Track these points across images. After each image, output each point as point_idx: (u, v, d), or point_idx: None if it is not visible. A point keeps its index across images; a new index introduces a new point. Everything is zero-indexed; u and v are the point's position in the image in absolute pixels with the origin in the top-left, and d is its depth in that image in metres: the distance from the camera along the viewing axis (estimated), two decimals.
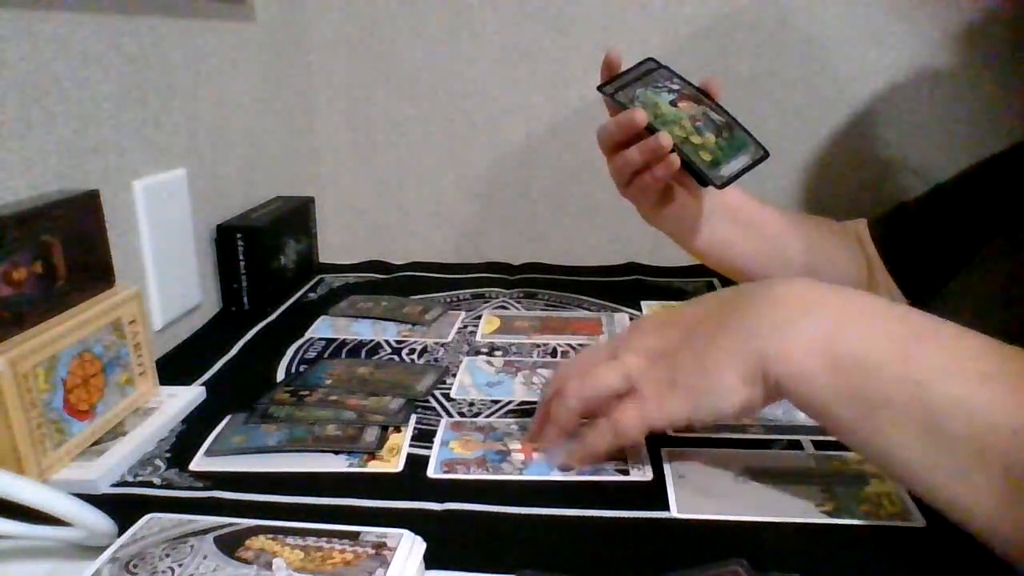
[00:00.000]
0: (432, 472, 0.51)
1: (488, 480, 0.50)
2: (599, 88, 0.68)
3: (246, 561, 0.38)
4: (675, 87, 0.68)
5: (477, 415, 0.59)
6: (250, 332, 0.77)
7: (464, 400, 0.62)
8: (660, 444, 0.54)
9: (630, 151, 0.65)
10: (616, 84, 0.68)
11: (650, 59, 0.71)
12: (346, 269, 0.99)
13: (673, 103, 0.67)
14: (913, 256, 0.76)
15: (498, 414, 0.60)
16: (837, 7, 0.97)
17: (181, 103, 0.74)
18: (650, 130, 0.64)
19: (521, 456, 0.53)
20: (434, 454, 0.54)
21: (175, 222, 0.74)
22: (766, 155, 0.67)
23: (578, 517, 0.47)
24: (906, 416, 0.40)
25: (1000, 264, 0.65)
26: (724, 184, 0.64)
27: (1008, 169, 0.72)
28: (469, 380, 0.65)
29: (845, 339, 0.42)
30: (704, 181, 0.65)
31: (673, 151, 0.63)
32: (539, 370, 0.67)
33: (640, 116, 0.63)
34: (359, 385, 0.63)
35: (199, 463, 0.53)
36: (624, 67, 0.69)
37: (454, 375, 0.66)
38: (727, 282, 0.83)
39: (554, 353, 0.71)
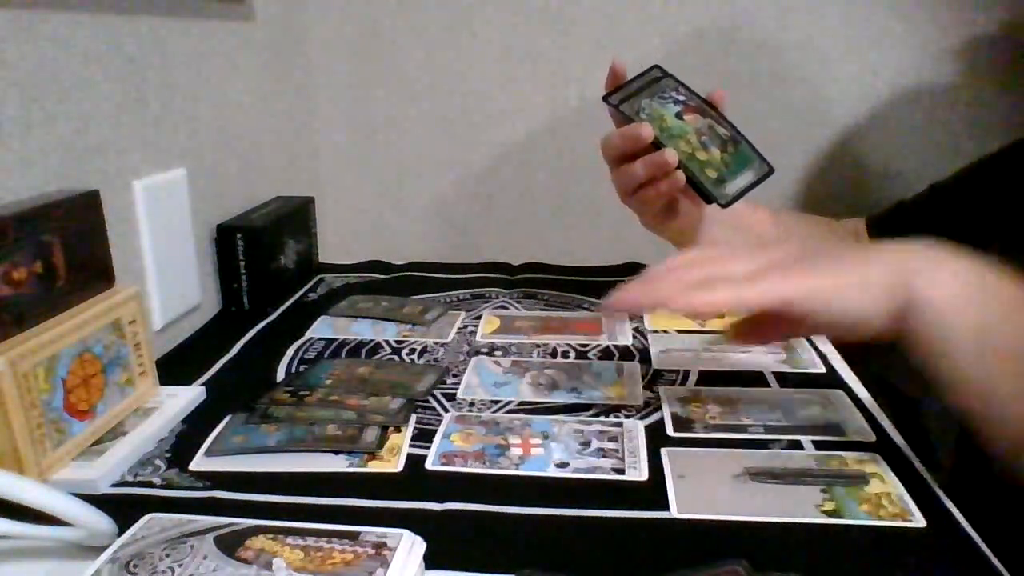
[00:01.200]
0: (430, 464, 0.52)
1: (484, 474, 0.51)
2: (604, 99, 0.67)
3: (246, 561, 0.38)
4: (681, 98, 0.67)
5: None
6: (250, 332, 0.77)
7: (465, 400, 0.62)
8: (660, 444, 0.54)
9: (635, 165, 0.64)
10: (621, 94, 0.67)
11: (656, 67, 0.69)
12: (346, 269, 0.99)
13: (679, 115, 0.66)
14: None
15: (498, 415, 0.60)
16: (837, 9, 0.97)
17: (181, 103, 0.74)
18: (656, 145, 0.63)
19: (519, 451, 0.53)
20: (434, 445, 0.54)
21: (175, 222, 0.74)
22: (771, 171, 0.66)
23: (578, 517, 0.47)
24: None
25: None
26: (729, 203, 0.64)
27: (1007, 167, 0.71)
28: (476, 380, 0.65)
29: (990, 277, 0.45)
30: (709, 199, 0.64)
31: (678, 167, 0.62)
32: (546, 370, 0.67)
33: (647, 132, 0.62)
34: (359, 385, 0.63)
35: (199, 463, 0.53)
36: (629, 75, 0.68)
37: (455, 375, 0.66)
38: None
39: (554, 353, 0.71)
